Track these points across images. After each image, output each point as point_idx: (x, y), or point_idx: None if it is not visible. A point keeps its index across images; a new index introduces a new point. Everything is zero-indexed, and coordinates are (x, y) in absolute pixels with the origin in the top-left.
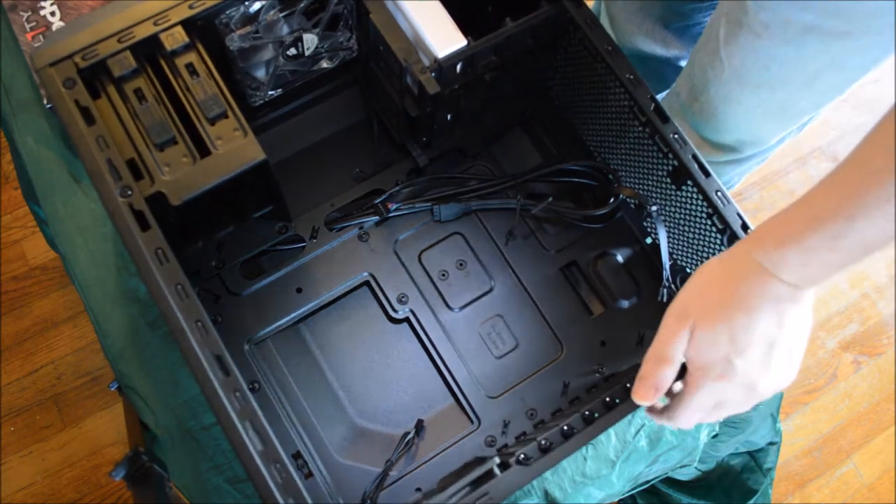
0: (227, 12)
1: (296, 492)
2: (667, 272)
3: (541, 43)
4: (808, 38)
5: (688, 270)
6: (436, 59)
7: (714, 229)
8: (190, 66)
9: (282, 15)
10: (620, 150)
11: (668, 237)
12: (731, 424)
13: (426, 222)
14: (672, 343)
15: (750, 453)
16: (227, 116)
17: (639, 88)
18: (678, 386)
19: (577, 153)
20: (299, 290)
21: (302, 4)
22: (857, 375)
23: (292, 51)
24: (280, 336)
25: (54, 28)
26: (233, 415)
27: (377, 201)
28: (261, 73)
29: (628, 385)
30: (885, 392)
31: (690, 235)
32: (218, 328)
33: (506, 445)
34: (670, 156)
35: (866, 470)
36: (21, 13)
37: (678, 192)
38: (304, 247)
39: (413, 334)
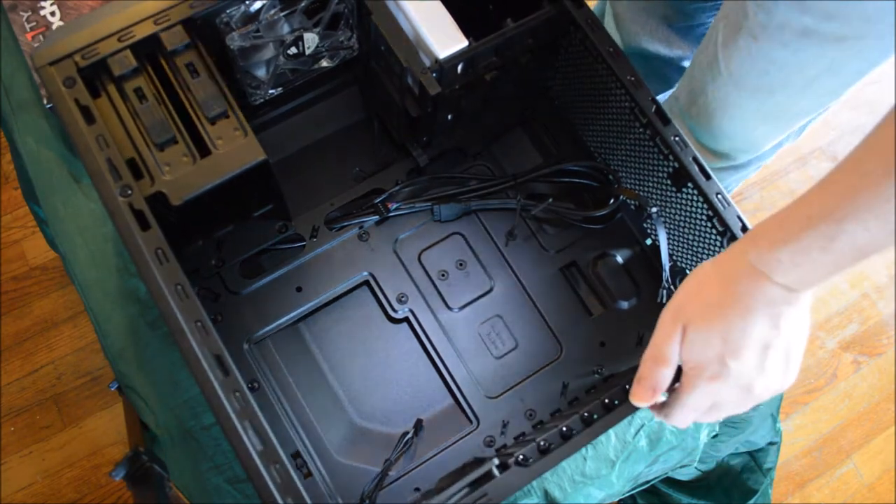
0: (228, 11)
1: (295, 492)
2: (666, 273)
3: (542, 43)
4: (805, 42)
5: (687, 272)
6: (437, 60)
7: (714, 231)
8: (190, 65)
9: (282, 14)
10: (621, 152)
11: (668, 239)
12: (731, 424)
13: (426, 222)
14: (668, 344)
15: (750, 453)
16: (227, 116)
17: (640, 90)
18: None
19: (577, 154)
20: (299, 290)
21: (303, 3)
22: (857, 375)
23: (293, 50)
24: (279, 335)
25: (54, 28)
26: (232, 415)
27: (377, 201)
28: (261, 72)
29: (627, 386)
30: (885, 392)
31: (690, 237)
32: (217, 327)
33: (504, 446)
34: (671, 157)
35: (866, 470)
36: (21, 13)
37: (678, 194)
38: (303, 246)
39: (412, 334)
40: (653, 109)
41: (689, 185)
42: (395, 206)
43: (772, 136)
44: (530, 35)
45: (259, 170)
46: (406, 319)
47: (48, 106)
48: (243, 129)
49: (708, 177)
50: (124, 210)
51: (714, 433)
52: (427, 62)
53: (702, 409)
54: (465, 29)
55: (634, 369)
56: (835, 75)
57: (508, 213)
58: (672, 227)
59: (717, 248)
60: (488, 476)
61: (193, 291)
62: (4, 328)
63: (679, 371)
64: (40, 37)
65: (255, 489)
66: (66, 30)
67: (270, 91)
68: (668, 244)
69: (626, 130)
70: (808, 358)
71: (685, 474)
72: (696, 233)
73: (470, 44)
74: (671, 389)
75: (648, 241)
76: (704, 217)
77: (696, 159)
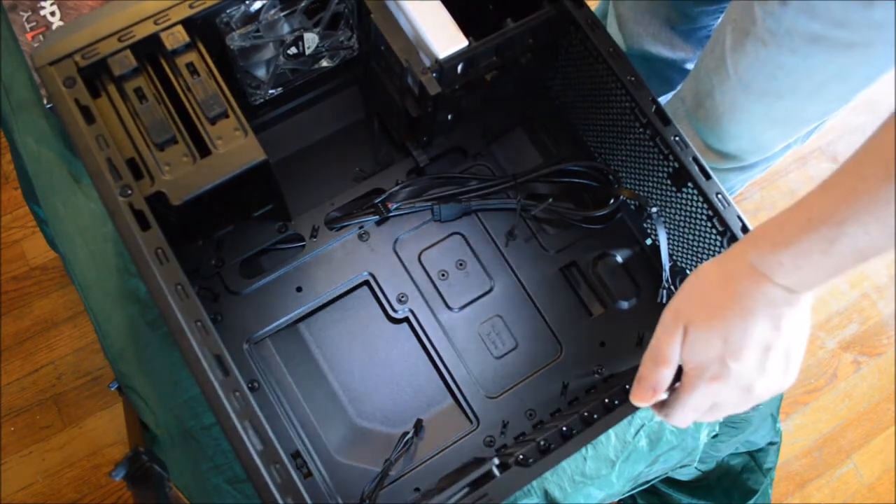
0: (228, 11)
1: (295, 492)
2: (666, 273)
3: (542, 43)
4: (814, 49)
5: (687, 272)
6: (437, 60)
7: (714, 231)
8: (190, 65)
9: (282, 14)
10: (621, 152)
11: (668, 239)
12: (731, 424)
13: (426, 222)
14: (668, 344)
15: (750, 453)
16: (227, 116)
17: (640, 90)
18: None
19: (577, 154)
20: (299, 290)
21: (303, 3)
22: (857, 375)
23: (293, 50)
24: (279, 335)
25: (54, 28)
26: (232, 415)
27: (377, 201)
28: (261, 72)
29: (627, 386)
30: (885, 392)
31: (690, 237)
32: (217, 327)
33: (504, 446)
34: (671, 158)
35: (866, 470)
36: (21, 13)
37: (678, 194)
38: (303, 246)
39: (412, 334)
40: (653, 109)
41: (689, 185)
42: (395, 206)
43: (779, 139)
44: (531, 35)
45: (259, 170)
46: (406, 319)
47: (48, 106)
48: (243, 129)
49: (708, 177)
50: (124, 210)
51: (714, 433)
52: (427, 62)
53: (702, 409)
54: (465, 29)
55: (634, 369)
56: (843, 81)
57: (508, 213)
58: (672, 227)
59: (717, 248)
60: (488, 476)
61: (193, 291)
62: (4, 328)
63: (679, 371)
64: (40, 37)
65: (255, 489)
66: (66, 30)
67: (270, 91)
68: (668, 244)
69: (627, 130)
70: (808, 358)
71: (685, 474)
72: (697, 233)
73: (470, 44)
74: (671, 389)
75: (648, 241)
76: (704, 217)
77: (696, 159)
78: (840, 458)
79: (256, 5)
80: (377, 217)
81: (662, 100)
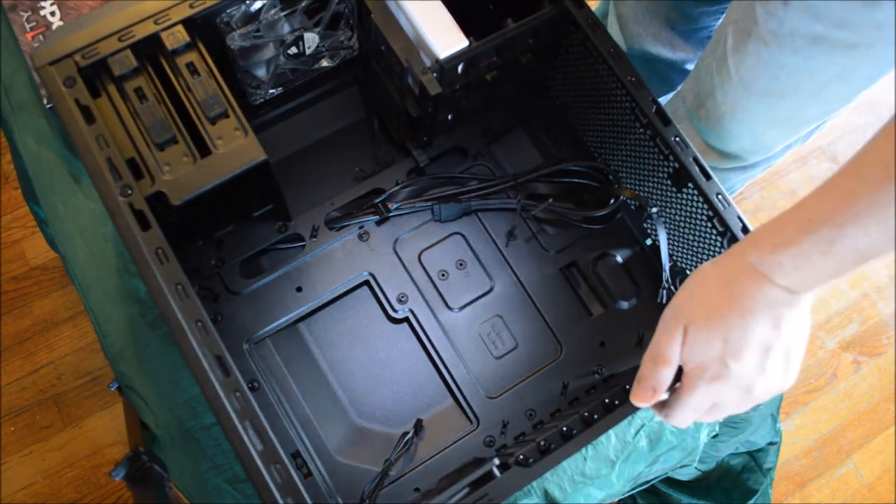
0: (228, 11)
1: (295, 492)
2: (666, 274)
3: (542, 44)
4: (815, 49)
5: (687, 272)
6: (437, 60)
7: (714, 232)
8: (191, 65)
9: (283, 14)
10: (621, 152)
11: (668, 239)
12: (731, 424)
13: (426, 222)
14: (669, 344)
15: (750, 453)
16: (227, 116)
17: (640, 90)
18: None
19: (577, 154)
20: (299, 290)
21: (303, 3)
22: (857, 375)
23: (293, 50)
24: (279, 335)
25: (54, 28)
26: (233, 415)
27: (377, 201)
28: (261, 72)
29: (627, 387)
30: (885, 392)
31: (690, 237)
32: (217, 327)
33: (505, 446)
34: (671, 158)
35: (866, 470)
36: (21, 13)
37: (679, 195)
38: (303, 246)
39: (413, 334)
40: (653, 110)
41: (690, 185)
42: (395, 206)
43: (781, 139)
44: (531, 35)
45: (259, 170)
46: (406, 319)
47: (48, 106)
48: (243, 129)
49: (708, 177)
50: (124, 210)
51: (714, 433)
52: (427, 62)
53: (702, 409)
54: (466, 29)
55: (634, 369)
56: (845, 82)
57: (509, 213)
58: (672, 227)
59: (717, 249)
60: (489, 476)
61: (193, 291)
62: (4, 328)
63: (680, 371)
64: (40, 37)
65: (255, 489)
66: (66, 30)
67: (270, 91)
68: (668, 244)
69: (627, 131)
70: (808, 358)
71: (685, 474)
72: (697, 233)
73: (470, 44)
74: (672, 389)
75: (648, 242)
76: (705, 217)
77: (696, 159)
78: (840, 458)
79: (257, 5)
80: (377, 217)
81: (663, 100)
